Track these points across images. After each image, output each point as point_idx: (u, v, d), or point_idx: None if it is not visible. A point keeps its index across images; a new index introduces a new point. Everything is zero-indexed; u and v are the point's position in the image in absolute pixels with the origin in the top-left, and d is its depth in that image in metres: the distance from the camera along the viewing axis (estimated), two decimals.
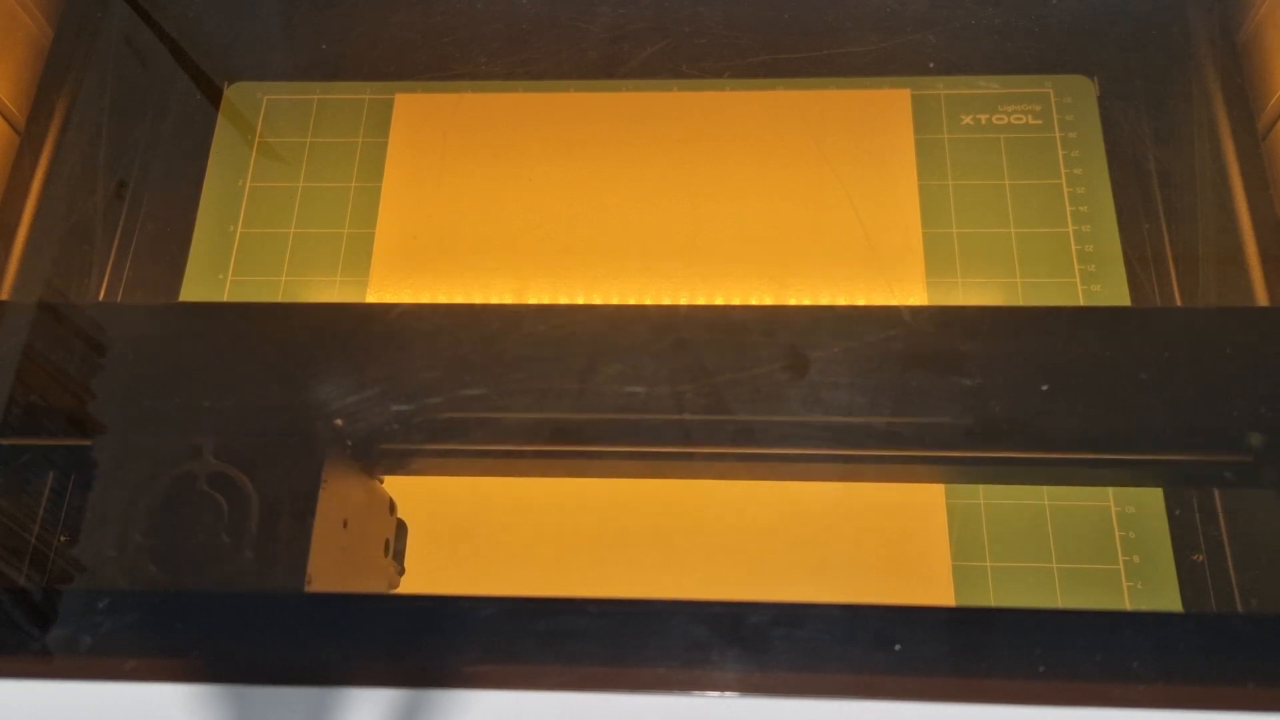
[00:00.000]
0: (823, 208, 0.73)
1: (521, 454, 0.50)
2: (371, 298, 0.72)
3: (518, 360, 0.49)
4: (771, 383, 0.47)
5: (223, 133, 0.78)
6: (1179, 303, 0.69)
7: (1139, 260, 0.71)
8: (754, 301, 0.71)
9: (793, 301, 0.70)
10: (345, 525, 0.50)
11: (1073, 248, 0.71)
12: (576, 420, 0.48)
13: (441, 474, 0.56)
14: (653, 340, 0.49)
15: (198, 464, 0.48)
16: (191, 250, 0.74)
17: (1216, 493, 0.62)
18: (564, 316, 0.51)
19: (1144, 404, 0.46)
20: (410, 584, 0.58)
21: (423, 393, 0.49)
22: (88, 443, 0.49)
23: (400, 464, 0.53)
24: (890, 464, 0.49)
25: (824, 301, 0.70)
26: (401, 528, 0.58)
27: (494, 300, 0.71)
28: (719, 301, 0.71)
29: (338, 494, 0.48)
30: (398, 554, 0.58)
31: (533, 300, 0.71)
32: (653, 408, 0.47)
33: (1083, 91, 0.76)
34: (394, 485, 0.57)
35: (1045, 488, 0.64)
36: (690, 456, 0.49)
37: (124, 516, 0.46)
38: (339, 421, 0.49)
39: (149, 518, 0.46)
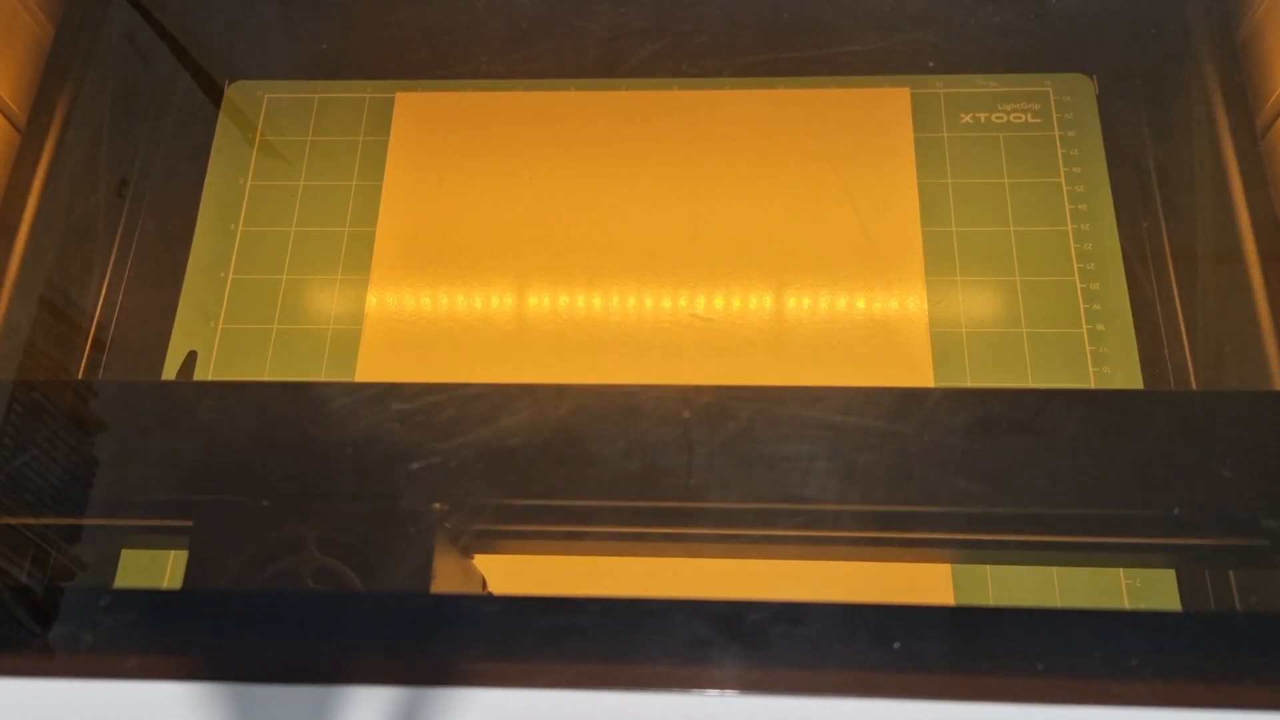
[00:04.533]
0: (822, 206, 0.73)
1: (616, 535, 0.49)
2: (372, 296, 0.72)
3: (607, 440, 0.47)
4: (796, 466, 0.46)
5: (224, 131, 0.78)
6: (1177, 301, 0.69)
7: (1138, 259, 0.71)
8: (754, 301, 0.71)
9: (792, 302, 0.70)
10: None
11: (1072, 246, 0.71)
12: (664, 507, 0.47)
13: (533, 553, 0.53)
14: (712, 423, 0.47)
15: (301, 558, 0.45)
16: (193, 249, 0.74)
17: None
18: (659, 394, 0.49)
19: (1159, 488, 0.45)
20: None
21: (519, 474, 0.47)
22: (187, 523, 0.46)
23: (492, 544, 0.50)
24: (897, 546, 0.48)
25: (824, 301, 0.70)
26: None
27: (493, 300, 0.72)
28: (719, 301, 0.71)
29: (445, 584, 0.46)
30: None
31: (532, 300, 0.71)
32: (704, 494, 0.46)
33: (1082, 90, 0.76)
34: None
35: None
36: (752, 538, 0.48)
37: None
38: (438, 505, 0.46)
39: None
